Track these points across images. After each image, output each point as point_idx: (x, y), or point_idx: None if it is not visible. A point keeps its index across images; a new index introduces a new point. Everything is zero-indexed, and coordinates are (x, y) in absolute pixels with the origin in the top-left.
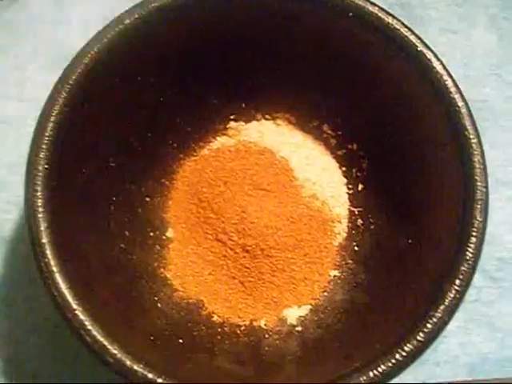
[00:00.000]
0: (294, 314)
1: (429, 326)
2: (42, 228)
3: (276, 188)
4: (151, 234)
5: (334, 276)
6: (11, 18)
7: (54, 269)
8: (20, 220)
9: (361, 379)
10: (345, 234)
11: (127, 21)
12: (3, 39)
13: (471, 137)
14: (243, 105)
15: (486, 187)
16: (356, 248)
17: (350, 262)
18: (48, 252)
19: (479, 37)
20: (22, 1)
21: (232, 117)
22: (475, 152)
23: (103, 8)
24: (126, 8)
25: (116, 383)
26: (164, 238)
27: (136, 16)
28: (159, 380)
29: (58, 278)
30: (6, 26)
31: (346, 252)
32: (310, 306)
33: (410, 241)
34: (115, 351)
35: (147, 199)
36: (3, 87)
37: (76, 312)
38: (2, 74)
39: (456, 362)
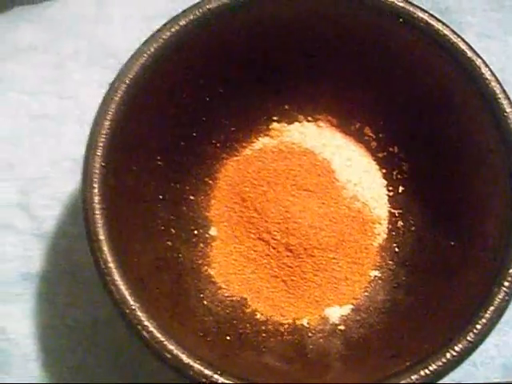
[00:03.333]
0: (336, 313)
1: (478, 326)
2: (100, 224)
3: (318, 189)
4: (195, 232)
5: (375, 276)
6: (52, 17)
7: (112, 265)
8: (61, 216)
9: (412, 378)
10: (385, 236)
11: (182, 22)
12: (44, 37)
13: None
14: (286, 106)
15: None
16: (396, 249)
17: (390, 262)
18: (105, 248)
19: None
20: (63, 0)
21: (275, 118)
22: None
23: (144, 7)
24: (167, 5)
25: (152, 382)
26: (207, 236)
27: (191, 17)
28: (215, 376)
29: (116, 273)
30: (46, 24)
31: (386, 253)
32: (351, 306)
33: (452, 243)
34: (172, 347)
35: (191, 198)
36: (43, 84)
37: (133, 308)
38: (42, 72)
39: (492, 363)
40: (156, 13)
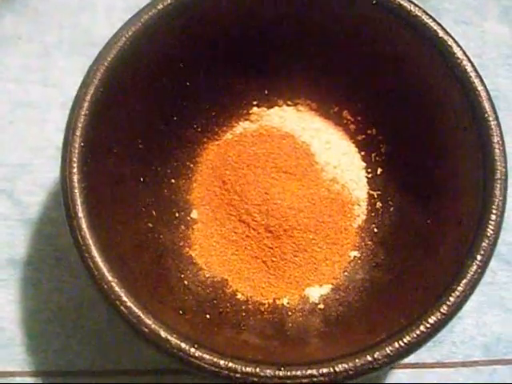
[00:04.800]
0: (316, 292)
1: (452, 299)
2: (78, 202)
3: (298, 171)
4: (176, 214)
5: (354, 257)
6: (36, 6)
7: (90, 241)
8: (45, 202)
9: (387, 350)
10: (364, 217)
11: (160, 5)
12: (28, 26)
13: (490, 119)
14: (266, 91)
15: (506, 167)
16: (375, 230)
17: (369, 243)
18: (84, 226)
19: (492, 28)
20: None
21: (255, 102)
22: (494, 134)
23: None
24: None
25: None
26: (189, 218)
27: (168, 1)
28: (192, 349)
29: (94, 250)
30: (31, 13)
31: (365, 233)
32: (331, 285)
33: (428, 221)
34: (149, 322)
35: (172, 181)
36: (28, 73)
37: (112, 284)
38: (26, 60)
39: (472, 342)
40: (139, 4)
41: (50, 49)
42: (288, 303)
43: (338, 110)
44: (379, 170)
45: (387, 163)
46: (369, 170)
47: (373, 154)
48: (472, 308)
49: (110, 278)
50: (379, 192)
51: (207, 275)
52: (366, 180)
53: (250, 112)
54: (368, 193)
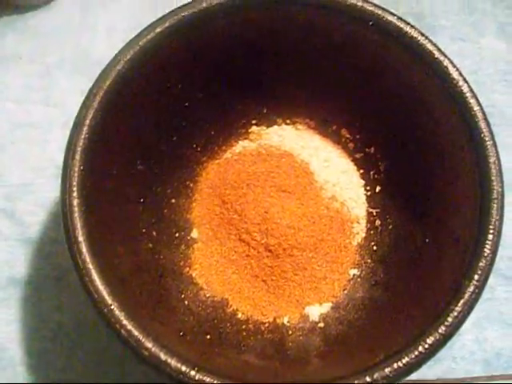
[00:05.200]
0: (316, 311)
1: (450, 319)
2: (78, 226)
3: (297, 190)
4: (177, 234)
5: (354, 275)
6: (37, 26)
7: (90, 265)
8: (45, 221)
9: (386, 371)
10: (363, 234)
11: (158, 29)
12: (29, 46)
13: (486, 139)
14: (265, 110)
15: (502, 187)
16: (374, 247)
17: (368, 261)
18: (84, 250)
19: (489, 44)
20: (48, 9)
21: (254, 121)
22: (491, 154)
23: (128, 17)
24: (151, 16)
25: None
26: (189, 238)
27: (166, 24)
28: (192, 372)
29: (94, 274)
30: (32, 33)
31: (364, 251)
32: (331, 304)
33: (427, 240)
34: (150, 345)
35: (173, 201)
36: (29, 93)
37: (112, 307)
38: (28, 80)
39: (472, 357)
40: (141, 22)
41: (52, 69)
42: (288, 322)
43: (337, 128)
44: (378, 188)
45: (386, 181)
46: (368, 188)
47: (371, 172)
48: (471, 324)
49: (109, 302)
50: (378, 210)
51: (207, 295)
52: (364, 198)
53: (249, 131)
54: (367, 210)
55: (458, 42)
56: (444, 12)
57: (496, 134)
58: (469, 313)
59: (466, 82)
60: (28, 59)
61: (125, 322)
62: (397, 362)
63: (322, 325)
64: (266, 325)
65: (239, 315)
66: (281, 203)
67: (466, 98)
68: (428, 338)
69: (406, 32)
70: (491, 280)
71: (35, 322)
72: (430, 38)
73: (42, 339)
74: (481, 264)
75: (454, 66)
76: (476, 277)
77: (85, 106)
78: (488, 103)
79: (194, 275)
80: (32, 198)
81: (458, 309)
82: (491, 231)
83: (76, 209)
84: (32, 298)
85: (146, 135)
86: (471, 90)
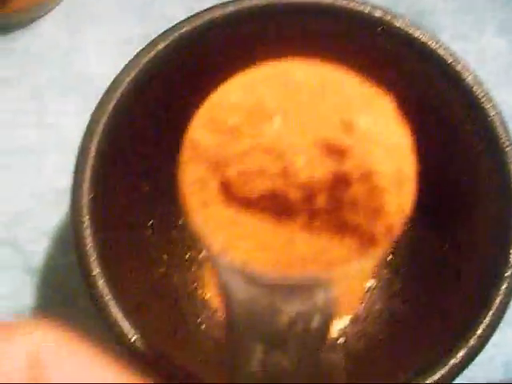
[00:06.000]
0: (335, 326)
1: (479, 332)
2: (93, 259)
3: None
4: (187, 255)
5: (370, 287)
6: (22, 46)
7: (108, 297)
8: (49, 249)
9: None
10: None
11: (160, 46)
12: (17, 69)
13: (505, 145)
14: None
15: None
16: (389, 257)
17: (384, 271)
18: (100, 282)
19: (489, 42)
20: (32, 28)
21: None
22: (510, 160)
23: (117, 31)
24: (141, 29)
25: None
26: (200, 257)
27: (168, 41)
28: None
29: (113, 307)
30: (18, 55)
31: (380, 262)
32: (349, 317)
33: (445, 248)
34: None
35: (180, 222)
36: (22, 116)
37: (133, 340)
38: (19, 104)
39: (492, 362)
40: (129, 36)
41: (41, 90)
42: None
43: None
44: None
45: None
46: None
47: None
48: None
49: (131, 336)
50: None
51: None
52: None
53: None
54: None
55: (458, 42)
56: (444, 10)
57: None
58: (498, 323)
59: (482, 85)
60: (16, 82)
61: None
62: (427, 380)
63: (342, 340)
64: None
65: None
66: None
67: (483, 102)
68: (458, 352)
69: (416, 37)
70: None
71: None
72: None
73: None
74: (507, 273)
75: (468, 70)
76: (503, 286)
77: (88, 132)
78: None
79: (207, 297)
80: (32, 226)
81: (487, 320)
82: None
83: (88, 241)
84: None
85: (150, 155)
86: (488, 94)
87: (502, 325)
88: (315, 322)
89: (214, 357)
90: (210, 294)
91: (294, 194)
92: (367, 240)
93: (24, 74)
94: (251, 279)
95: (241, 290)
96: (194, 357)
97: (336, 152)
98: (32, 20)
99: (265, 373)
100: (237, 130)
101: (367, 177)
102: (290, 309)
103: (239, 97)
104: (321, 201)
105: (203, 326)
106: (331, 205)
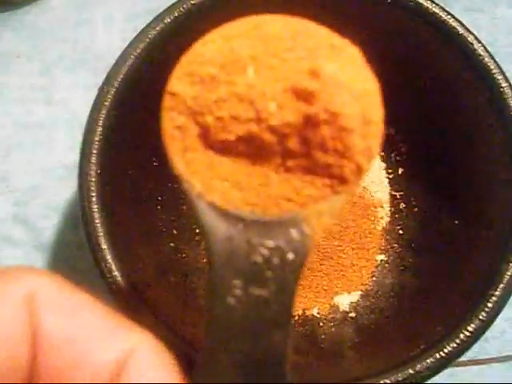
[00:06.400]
0: (346, 300)
1: (490, 305)
2: (101, 234)
3: None
4: (197, 230)
5: (381, 260)
6: (33, 22)
7: (117, 273)
8: (59, 225)
9: (428, 361)
10: (388, 219)
11: (167, 19)
12: (26, 43)
13: None
14: None
15: None
16: (400, 231)
17: (395, 245)
18: (109, 257)
19: (503, 14)
20: (42, 3)
21: None
22: None
23: (125, 6)
24: (149, 4)
25: None
26: None
27: (176, 14)
28: None
29: (121, 281)
30: (28, 30)
31: (390, 236)
32: (360, 292)
33: (456, 221)
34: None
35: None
36: (31, 92)
37: (142, 314)
38: (28, 79)
39: (503, 337)
40: (138, 11)
41: (51, 66)
42: (318, 313)
43: None
44: (400, 170)
45: (408, 163)
46: (390, 171)
47: (392, 154)
48: None
49: (139, 308)
50: (402, 193)
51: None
52: (387, 181)
53: None
54: (390, 194)
55: (472, 14)
56: None
57: None
58: (508, 297)
59: (493, 58)
60: (26, 57)
61: (158, 329)
62: (438, 353)
63: (353, 314)
64: (296, 318)
65: None
66: None
67: (494, 74)
68: (469, 325)
69: (427, 8)
70: None
71: None
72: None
73: None
74: None
75: (479, 42)
76: None
77: (96, 106)
78: (508, 75)
79: None
80: (43, 202)
81: (497, 293)
82: None
83: (97, 215)
84: None
85: (160, 130)
86: (498, 66)
87: None
88: (290, 257)
89: None
90: None
91: (268, 137)
92: (337, 179)
93: (33, 50)
94: (228, 218)
95: (219, 229)
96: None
97: (304, 96)
98: None
99: (243, 306)
100: (213, 80)
101: (334, 118)
102: (267, 245)
103: (215, 49)
104: (293, 143)
105: None
106: (303, 147)
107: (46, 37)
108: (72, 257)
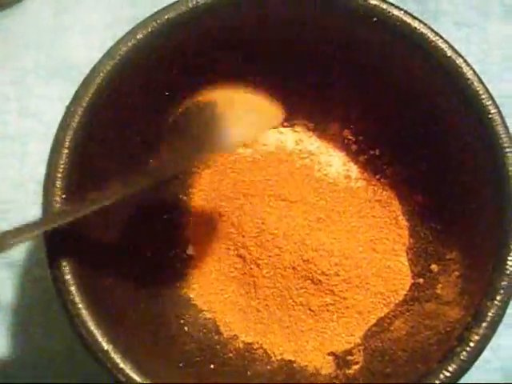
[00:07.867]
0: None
1: (472, 344)
2: (65, 263)
3: (298, 197)
4: (171, 252)
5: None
6: (6, 28)
7: (81, 305)
8: (30, 242)
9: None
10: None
11: (139, 35)
12: (0, 51)
13: (505, 145)
14: None
15: None
16: None
17: None
18: (73, 288)
19: (495, 29)
20: (17, 8)
21: None
22: (510, 161)
23: (104, 14)
24: (129, 11)
25: None
26: (185, 256)
27: (149, 30)
28: None
29: (85, 315)
30: (2, 36)
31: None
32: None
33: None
34: None
35: (165, 216)
36: (3, 102)
37: (107, 351)
38: (0, 89)
39: (489, 366)
40: (116, 19)
41: (25, 75)
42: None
43: (338, 129)
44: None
45: (392, 186)
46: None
47: (377, 176)
48: None
49: (104, 346)
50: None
51: (208, 317)
52: None
53: None
54: None
55: (463, 29)
56: None
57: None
58: (493, 334)
59: (482, 82)
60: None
61: (122, 365)
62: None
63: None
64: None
65: (243, 337)
66: (279, 213)
67: (483, 99)
68: (449, 365)
69: (414, 28)
70: None
71: (25, 350)
72: (434, 24)
73: (33, 368)
74: (503, 283)
75: (468, 65)
76: (498, 297)
77: (63, 126)
78: (498, 93)
79: (192, 296)
80: (13, 217)
81: (481, 332)
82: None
83: (60, 242)
84: (21, 324)
85: (128, 149)
86: (487, 91)
87: (499, 329)
88: None
89: (196, 361)
90: (195, 293)
91: None
92: None
93: (7, 57)
94: None
95: None
96: (173, 363)
97: None
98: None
99: None
100: None
101: None
102: None
103: None
104: None
105: (186, 328)
106: None
107: (21, 44)
108: (43, 276)
